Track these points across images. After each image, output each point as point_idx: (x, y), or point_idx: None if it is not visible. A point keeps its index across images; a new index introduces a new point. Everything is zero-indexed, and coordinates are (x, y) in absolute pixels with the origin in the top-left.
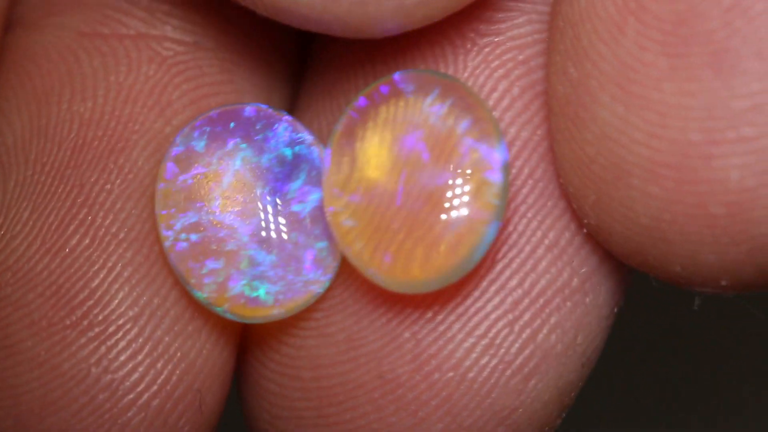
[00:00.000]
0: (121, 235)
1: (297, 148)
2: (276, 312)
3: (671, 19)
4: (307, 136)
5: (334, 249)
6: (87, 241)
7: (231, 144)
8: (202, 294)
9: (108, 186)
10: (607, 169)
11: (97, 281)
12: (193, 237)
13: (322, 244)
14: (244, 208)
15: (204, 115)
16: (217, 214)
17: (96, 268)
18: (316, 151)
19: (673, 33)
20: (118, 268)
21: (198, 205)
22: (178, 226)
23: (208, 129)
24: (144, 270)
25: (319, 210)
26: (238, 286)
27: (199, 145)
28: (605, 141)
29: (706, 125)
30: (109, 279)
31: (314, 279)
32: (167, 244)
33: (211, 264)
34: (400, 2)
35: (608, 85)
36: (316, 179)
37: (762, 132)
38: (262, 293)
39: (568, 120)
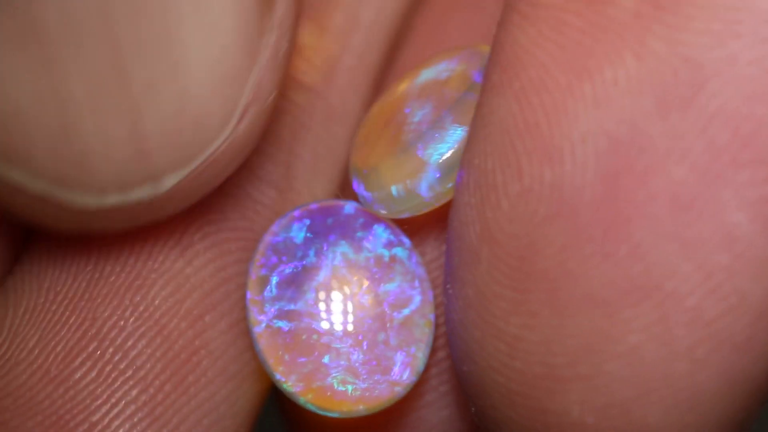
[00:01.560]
0: (129, 373)
1: (394, 251)
2: (360, 408)
3: (516, 253)
4: (405, 240)
5: (425, 354)
6: (93, 374)
7: (331, 239)
8: (287, 383)
9: (121, 322)
10: (475, 387)
11: (98, 416)
12: (285, 326)
13: (413, 348)
14: (338, 303)
15: (304, 207)
16: (312, 306)
17: (99, 402)
18: (414, 257)
19: (518, 268)
20: (120, 405)
21: (293, 295)
22: (271, 312)
23: (307, 222)
24: (147, 410)
25: (414, 314)
26: (326, 379)
27: (298, 236)
28: (471, 364)
29: (546, 360)
30: (111, 415)
31: (399, 381)
32: (258, 329)
33: (300, 354)
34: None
35: (469, 310)
36: (410, 283)
37: (595, 371)
38: (349, 388)
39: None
